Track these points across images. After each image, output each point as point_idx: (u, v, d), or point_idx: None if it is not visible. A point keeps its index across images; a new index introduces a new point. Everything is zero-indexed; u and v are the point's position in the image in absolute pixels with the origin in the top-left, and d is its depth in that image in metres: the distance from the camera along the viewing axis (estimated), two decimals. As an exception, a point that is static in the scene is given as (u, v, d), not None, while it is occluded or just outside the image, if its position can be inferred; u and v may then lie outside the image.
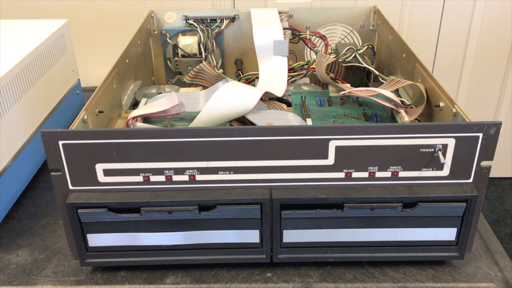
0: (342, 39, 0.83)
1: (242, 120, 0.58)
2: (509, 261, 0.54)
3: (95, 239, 0.51)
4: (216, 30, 0.80)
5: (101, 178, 0.48)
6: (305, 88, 0.71)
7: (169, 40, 0.81)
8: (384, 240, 0.51)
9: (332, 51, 0.77)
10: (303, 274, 0.53)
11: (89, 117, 0.52)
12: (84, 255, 0.51)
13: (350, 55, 0.72)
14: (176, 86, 0.74)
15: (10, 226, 0.61)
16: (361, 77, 0.73)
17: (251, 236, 0.51)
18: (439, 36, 1.41)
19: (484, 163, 0.47)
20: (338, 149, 0.47)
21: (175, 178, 0.48)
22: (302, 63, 0.73)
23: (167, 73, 0.84)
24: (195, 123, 0.56)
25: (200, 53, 0.77)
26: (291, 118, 0.59)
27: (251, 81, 0.73)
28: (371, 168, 0.48)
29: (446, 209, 0.49)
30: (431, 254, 0.52)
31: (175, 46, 0.80)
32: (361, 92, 0.61)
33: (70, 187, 0.48)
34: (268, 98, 0.65)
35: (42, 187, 0.69)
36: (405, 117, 0.57)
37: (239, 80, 0.71)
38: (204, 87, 0.70)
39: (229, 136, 0.46)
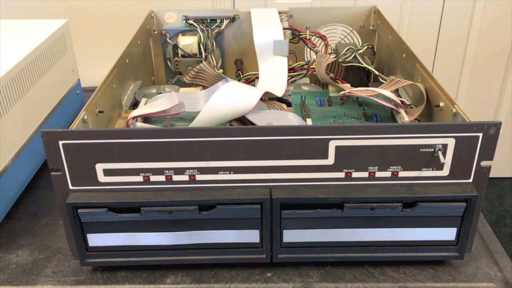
0: (342, 39, 0.83)
1: (242, 120, 0.58)
2: (509, 261, 0.54)
3: (95, 239, 0.51)
4: (216, 30, 0.80)
5: (101, 178, 0.48)
6: (305, 88, 0.71)
7: (169, 40, 0.81)
8: (384, 240, 0.51)
9: (332, 51, 0.77)
10: (303, 274, 0.53)
11: (89, 117, 0.52)
12: (84, 255, 0.51)
13: (350, 55, 0.72)
14: (176, 86, 0.74)
15: (10, 226, 0.61)
16: (361, 77, 0.73)
17: (251, 236, 0.51)
18: (439, 36, 1.41)
19: (484, 163, 0.47)
20: (338, 149, 0.47)
21: (175, 178, 0.48)
22: (302, 63, 0.73)
23: (167, 73, 0.84)
24: (195, 123, 0.56)
25: (200, 53, 0.77)
26: (291, 118, 0.59)
27: (251, 81, 0.73)
28: (371, 168, 0.48)
29: (446, 209, 0.49)
30: (431, 254, 0.52)
31: (175, 46, 0.80)
32: (361, 92, 0.61)
33: (70, 187, 0.48)
34: (268, 98, 0.65)
35: (42, 187, 0.69)
36: (405, 117, 0.57)
37: (239, 80, 0.71)
38: (204, 87, 0.70)
39: (229, 136, 0.46)
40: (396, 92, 0.67)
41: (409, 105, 0.64)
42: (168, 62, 0.83)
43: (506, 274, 0.52)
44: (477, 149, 0.46)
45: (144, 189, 0.49)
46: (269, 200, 0.48)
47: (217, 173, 0.48)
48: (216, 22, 0.81)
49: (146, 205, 0.48)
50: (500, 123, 0.45)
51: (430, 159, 0.47)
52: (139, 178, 0.48)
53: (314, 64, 0.71)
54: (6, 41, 0.70)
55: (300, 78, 0.75)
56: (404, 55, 0.67)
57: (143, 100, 0.65)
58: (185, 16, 0.81)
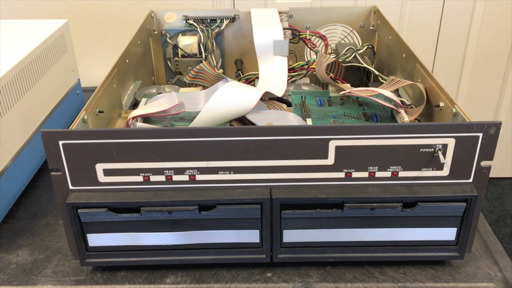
0: (342, 39, 0.83)
1: (242, 120, 0.58)
2: (509, 261, 0.54)
3: (95, 239, 0.51)
4: (216, 30, 0.80)
5: (101, 178, 0.48)
6: (305, 88, 0.71)
7: (169, 40, 0.81)
8: (384, 240, 0.51)
9: (332, 51, 0.77)
10: (303, 274, 0.53)
11: (89, 117, 0.52)
12: (84, 255, 0.51)
13: (350, 55, 0.72)
14: (176, 86, 0.74)
15: (10, 226, 0.61)
16: (361, 77, 0.73)
17: (251, 236, 0.51)
18: (439, 36, 1.41)
19: (484, 163, 0.47)
20: (338, 149, 0.47)
21: (175, 178, 0.48)
22: (302, 63, 0.73)
23: (167, 73, 0.84)
24: (195, 123, 0.56)
25: (200, 53, 0.77)
26: (291, 118, 0.59)
27: (251, 81, 0.73)
28: (371, 168, 0.48)
29: (446, 209, 0.49)
30: (431, 254, 0.52)
31: (175, 46, 0.80)
32: (361, 92, 0.61)
33: (70, 187, 0.48)
34: (268, 98, 0.65)
35: (42, 187, 0.69)
36: (405, 117, 0.57)
37: (239, 80, 0.71)
38: (204, 87, 0.70)
39: (229, 136, 0.46)
40: (396, 92, 0.67)
41: (409, 105, 0.64)
42: (168, 62, 0.83)
43: (506, 274, 0.52)
44: (477, 149, 0.46)
45: (144, 189, 0.49)
46: (269, 200, 0.48)
47: (217, 173, 0.48)
48: (216, 22, 0.81)
49: (146, 205, 0.48)
50: (500, 123, 0.45)
51: (430, 159, 0.47)
52: (139, 178, 0.48)
53: (314, 64, 0.71)
54: (6, 41, 0.70)
55: (300, 78, 0.75)
56: (404, 55, 0.67)
57: (143, 100, 0.65)
58: (185, 16, 0.81)
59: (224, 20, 0.81)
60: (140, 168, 0.48)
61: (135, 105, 0.68)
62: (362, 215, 0.49)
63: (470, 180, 0.48)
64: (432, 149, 0.47)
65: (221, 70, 0.80)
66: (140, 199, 0.48)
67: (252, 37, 0.70)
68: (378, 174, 0.48)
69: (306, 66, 0.72)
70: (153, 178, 0.48)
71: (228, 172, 0.48)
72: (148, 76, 0.82)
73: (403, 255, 0.52)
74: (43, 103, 0.70)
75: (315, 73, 0.71)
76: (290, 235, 0.51)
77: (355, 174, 0.48)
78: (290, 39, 0.73)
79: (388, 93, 0.59)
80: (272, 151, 0.47)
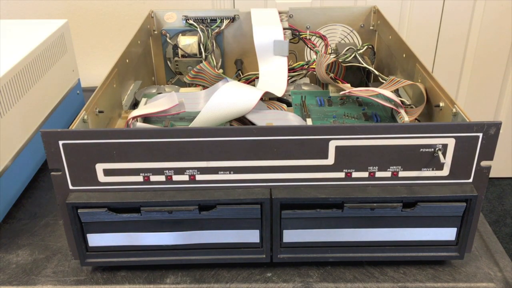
0: (342, 39, 0.83)
1: (242, 120, 0.58)
2: (509, 261, 0.54)
3: (95, 239, 0.51)
4: (216, 30, 0.80)
5: (101, 178, 0.48)
6: (305, 88, 0.71)
7: (169, 40, 0.81)
8: (384, 240, 0.51)
9: (332, 51, 0.77)
10: (303, 274, 0.53)
11: (89, 117, 0.52)
12: (84, 255, 0.51)
13: (350, 55, 0.72)
14: (176, 86, 0.74)
15: (10, 226, 0.61)
16: (361, 77, 0.73)
17: (251, 236, 0.51)
18: (439, 36, 1.41)
19: (484, 163, 0.47)
20: (338, 149, 0.47)
21: (175, 178, 0.48)
22: (302, 63, 0.73)
23: (167, 73, 0.84)
24: (195, 123, 0.56)
25: (200, 53, 0.77)
26: (291, 118, 0.59)
27: (251, 81, 0.73)
28: (371, 168, 0.48)
29: (446, 209, 0.49)
30: (431, 254, 0.52)
31: (175, 46, 0.80)
32: (361, 92, 0.61)
33: (70, 187, 0.48)
34: (268, 98, 0.66)
35: (42, 187, 0.69)
36: (405, 117, 0.57)
37: (239, 80, 0.71)
38: (204, 87, 0.70)
39: (229, 136, 0.46)
40: (396, 92, 0.67)
41: (409, 105, 0.64)
42: (168, 62, 0.83)
43: (506, 274, 0.52)
44: (477, 149, 0.46)
45: (144, 189, 0.49)
46: (269, 200, 0.48)
47: (217, 173, 0.48)
48: (216, 22, 0.81)
49: (146, 205, 0.48)
50: (500, 123, 0.45)
51: (430, 159, 0.47)
52: (139, 178, 0.48)
53: (314, 64, 0.71)
54: (6, 41, 0.70)
55: (300, 78, 0.75)
56: (404, 55, 0.67)
57: (143, 100, 0.65)
58: (185, 16, 0.81)
59: (224, 20, 0.81)
60: (140, 168, 0.48)
61: (135, 105, 0.68)
62: (362, 215, 0.49)
63: (470, 180, 0.48)
64: (432, 149, 0.47)
65: (221, 70, 0.80)
66: (140, 199, 0.48)
67: (252, 37, 0.70)
68: (378, 174, 0.48)
69: (306, 66, 0.72)
70: (153, 178, 0.48)
71: (228, 172, 0.48)
72: (148, 76, 0.82)
73: (403, 255, 0.52)
74: (43, 103, 0.70)
75: (315, 73, 0.71)
76: (290, 235, 0.51)
77: (355, 174, 0.48)
78: (290, 39, 0.73)
79: (388, 93, 0.59)
80: (272, 151, 0.47)
